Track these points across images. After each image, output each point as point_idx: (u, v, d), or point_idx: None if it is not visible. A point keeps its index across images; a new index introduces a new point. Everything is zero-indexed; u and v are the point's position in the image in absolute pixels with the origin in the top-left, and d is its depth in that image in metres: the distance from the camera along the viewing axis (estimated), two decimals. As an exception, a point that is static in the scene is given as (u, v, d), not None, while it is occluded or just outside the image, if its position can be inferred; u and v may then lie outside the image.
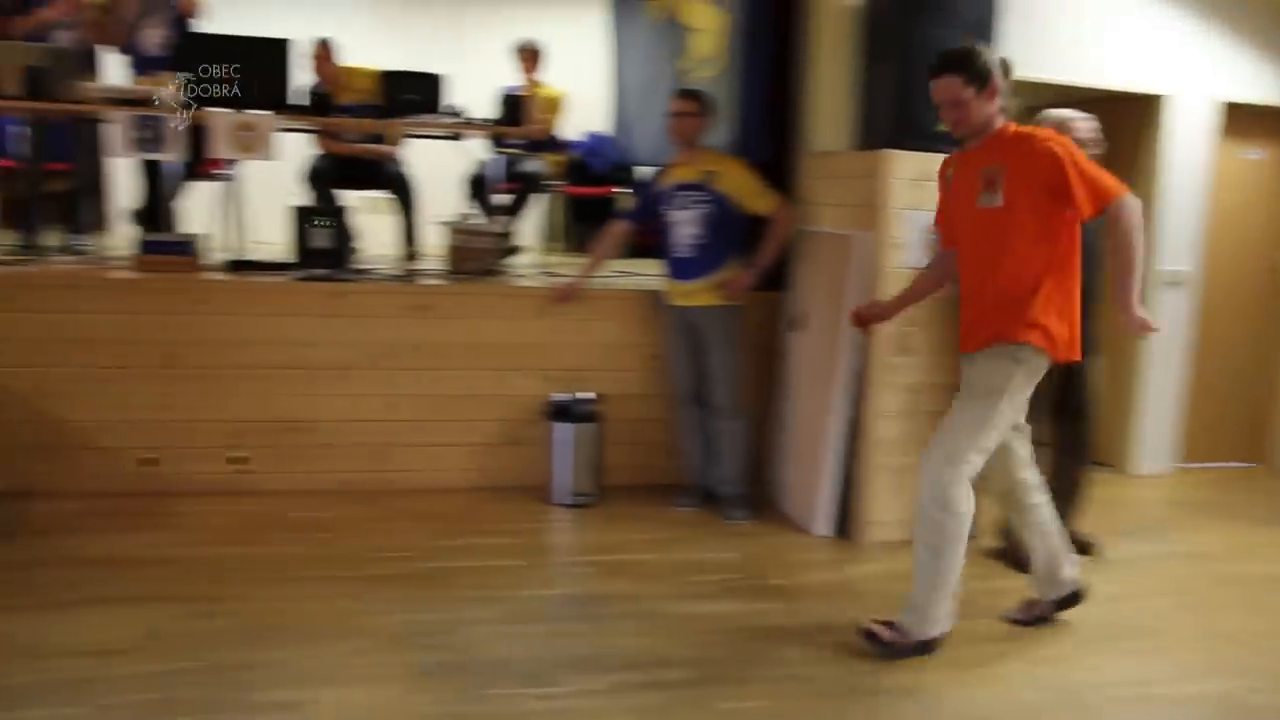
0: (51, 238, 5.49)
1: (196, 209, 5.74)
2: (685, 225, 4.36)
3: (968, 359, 3.20)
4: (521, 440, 4.72)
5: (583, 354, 4.74)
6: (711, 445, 4.56)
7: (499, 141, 6.13)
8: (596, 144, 7.08)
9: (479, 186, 6.01)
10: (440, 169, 6.04)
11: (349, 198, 5.70)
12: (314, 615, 3.34)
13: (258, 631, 3.21)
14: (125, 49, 5.69)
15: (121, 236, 6.32)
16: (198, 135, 4.89)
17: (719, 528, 4.42)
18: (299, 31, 5.25)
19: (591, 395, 4.60)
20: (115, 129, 4.71)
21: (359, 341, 4.56)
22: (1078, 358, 3.18)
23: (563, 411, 4.53)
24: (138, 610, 3.35)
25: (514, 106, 5.42)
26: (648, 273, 5.03)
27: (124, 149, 4.72)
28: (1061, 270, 3.07)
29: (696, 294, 4.39)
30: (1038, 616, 3.50)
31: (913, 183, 4.04)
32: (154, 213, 5.51)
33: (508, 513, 4.48)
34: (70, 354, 4.40)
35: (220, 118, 4.70)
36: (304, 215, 4.62)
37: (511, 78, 6.40)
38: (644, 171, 6.63)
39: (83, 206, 5.77)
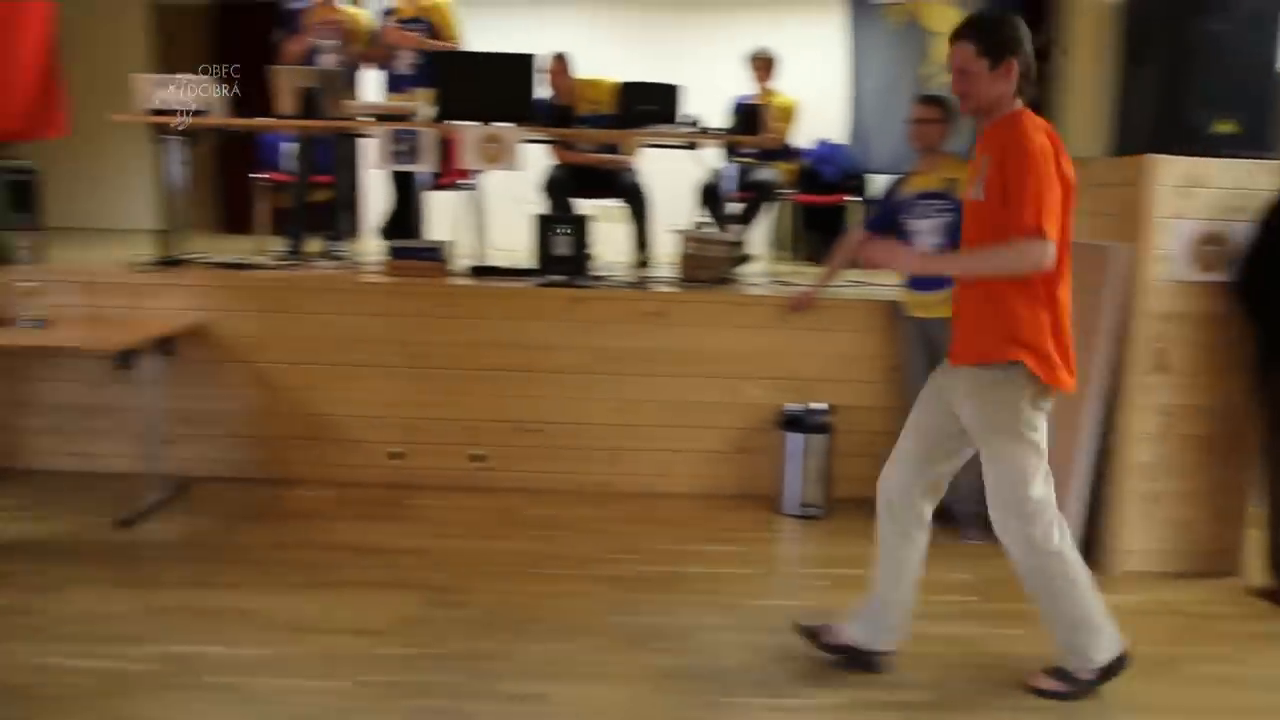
0: (314, 245, 5.90)
1: (442, 217, 6.04)
2: (926, 235, 4.24)
3: (955, 371, 2.92)
4: (750, 449, 4.71)
5: (816, 364, 4.68)
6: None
7: (732, 150, 6.15)
8: (828, 152, 7.00)
9: (712, 195, 6.04)
10: (673, 178, 6.11)
11: (584, 206, 5.85)
12: (554, 611, 3.44)
13: (502, 624, 3.33)
14: (381, 67, 6.05)
15: (373, 244, 6.72)
16: (445, 147, 5.15)
17: (953, 547, 4.24)
18: (538, 46, 5.43)
19: (824, 406, 4.53)
20: (374, 143, 5.02)
21: (594, 346, 4.67)
22: (1072, 388, 2.86)
23: (795, 422, 4.48)
24: (390, 595, 3.55)
25: (748, 115, 5.41)
26: (884, 283, 4.93)
27: (382, 161, 5.02)
28: (1050, 281, 2.75)
29: (937, 306, 4.24)
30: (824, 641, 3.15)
31: (1179, 189, 3.77)
32: (404, 221, 5.83)
33: (736, 521, 4.47)
34: (330, 352, 4.72)
35: (468, 131, 4.92)
36: (546, 223, 4.78)
37: (744, 86, 6.41)
38: (877, 180, 6.51)
39: (341, 216, 6.17)
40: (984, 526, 4.27)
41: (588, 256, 4.75)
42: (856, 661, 3.07)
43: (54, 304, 4.37)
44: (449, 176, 5.82)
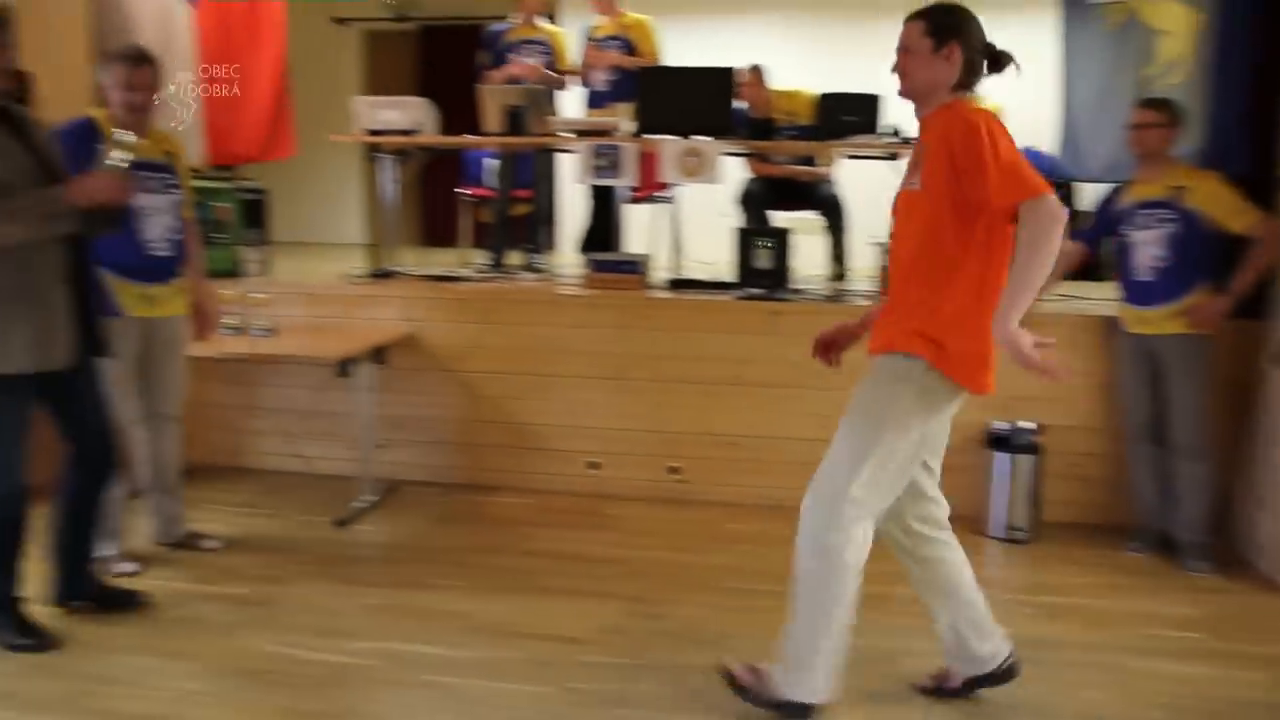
0: (514, 258, 6.07)
1: (640, 230, 6.11)
2: (1148, 246, 4.01)
3: (870, 363, 2.74)
4: (955, 468, 4.49)
5: (1024, 380, 4.41)
6: (1169, 487, 4.14)
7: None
8: (1031, 159, 6.69)
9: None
10: (871, 189, 5.99)
11: (780, 218, 5.80)
12: (756, 627, 3.38)
13: (702, 637, 3.32)
14: (584, 83, 6.17)
15: (571, 256, 6.87)
16: (643, 161, 5.20)
17: (1176, 578, 4.00)
18: (734, 59, 5.42)
19: (1033, 425, 4.34)
20: (576, 158, 5.13)
21: (793, 360, 4.60)
22: (989, 389, 2.63)
23: (1002, 440, 4.31)
24: (591, 604, 3.59)
25: (952, 124, 5.25)
26: (1097, 297, 4.68)
27: (584, 176, 5.12)
28: (981, 278, 2.56)
29: (1159, 321, 4.02)
30: (948, 688, 2.95)
31: None
32: (603, 234, 5.92)
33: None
34: (531, 362, 4.83)
35: (669, 145, 4.97)
36: (746, 236, 4.76)
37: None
38: (1086, 189, 6.21)
39: (540, 229, 6.33)
40: (1208, 556, 4.04)
41: (788, 270, 4.70)
42: (989, 683, 2.92)
43: (279, 314, 4.65)
44: (647, 189, 5.89)
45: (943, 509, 2.89)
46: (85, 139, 3.43)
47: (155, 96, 3.66)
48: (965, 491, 4.44)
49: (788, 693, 2.72)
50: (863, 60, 7.41)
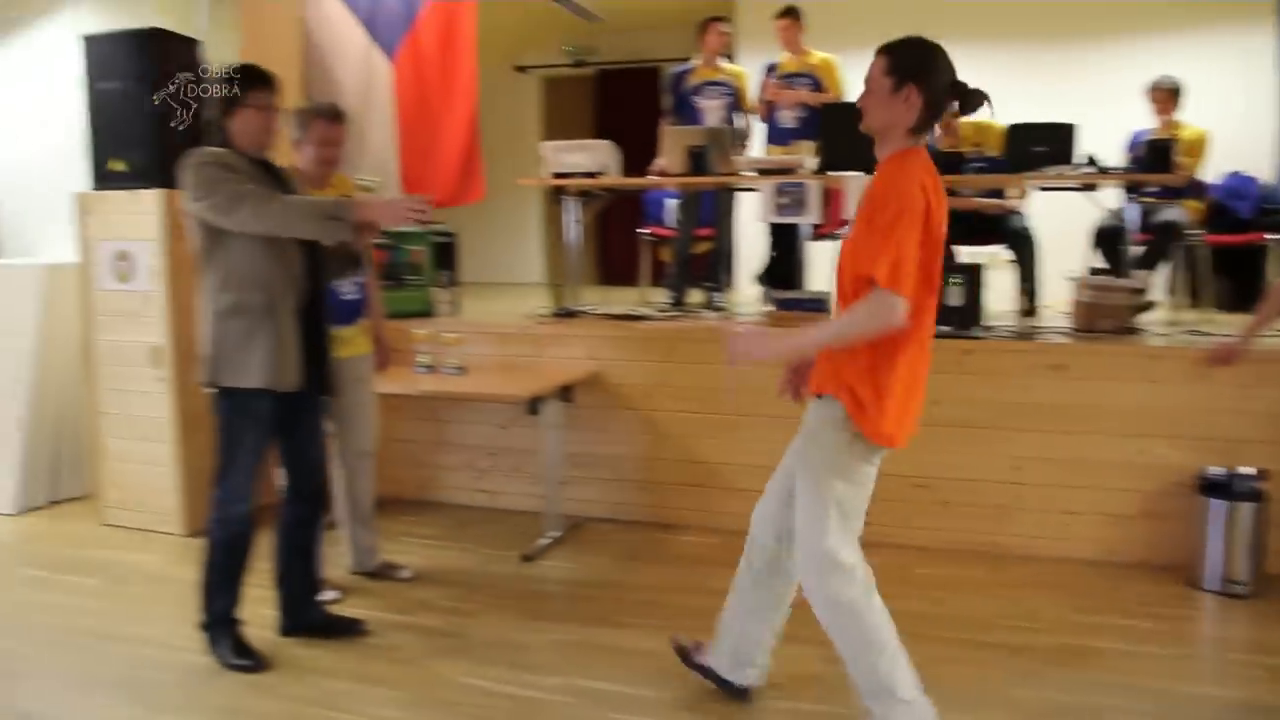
0: (694, 296, 6.11)
1: (822, 267, 6.04)
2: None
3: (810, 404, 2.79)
4: (1161, 515, 4.29)
5: (1242, 423, 4.20)
6: None
7: (1132, 189, 5.71)
8: (1239, 185, 6.32)
9: (1109, 238, 5.63)
10: (1060, 220, 5.78)
11: (965, 252, 5.64)
12: (950, 678, 3.27)
13: (898, 686, 3.21)
14: (764, 119, 6.18)
15: (751, 294, 6.86)
16: (826, 197, 5.15)
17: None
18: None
19: (1253, 471, 4.05)
20: (758, 196, 5.12)
21: (985, 400, 4.46)
22: (898, 444, 2.66)
23: (1219, 487, 4.04)
24: (780, 648, 3.49)
25: (1156, 151, 5.01)
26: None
27: (767, 214, 5.11)
28: (899, 334, 2.53)
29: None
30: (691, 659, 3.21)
31: None
32: (784, 272, 5.89)
33: (1146, 594, 4.06)
34: (715, 401, 4.83)
35: (854, 181, 4.90)
36: (935, 272, 4.63)
37: (1139, 120, 5.95)
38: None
39: (720, 267, 6.35)
40: None
41: (980, 306, 4.55)
42: (721, 686, 3.13)
43: (469, 352, 4.80)
44: (830, 226, 5.82)
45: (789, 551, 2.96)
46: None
47: (343, 150, 3.90)
48: (1174, 540, 4.22)
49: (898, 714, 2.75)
50: (1053, 89, 7.27)
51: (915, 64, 2.56)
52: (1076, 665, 3.40)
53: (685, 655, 3.24)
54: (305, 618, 3.62)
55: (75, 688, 3.28)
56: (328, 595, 3.95)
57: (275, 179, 3.33)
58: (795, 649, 3.50)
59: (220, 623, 3.41)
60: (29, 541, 4.90)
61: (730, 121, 6.20)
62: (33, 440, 5.40)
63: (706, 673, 3.17)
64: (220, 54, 4.99)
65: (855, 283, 2.57)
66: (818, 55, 6.10)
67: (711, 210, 6.27)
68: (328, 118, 3.81)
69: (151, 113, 4.64)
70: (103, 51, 4.77)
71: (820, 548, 2.68)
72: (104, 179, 4.83)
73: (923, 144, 2.64)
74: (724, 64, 6.39)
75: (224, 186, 3.09)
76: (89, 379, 5.06)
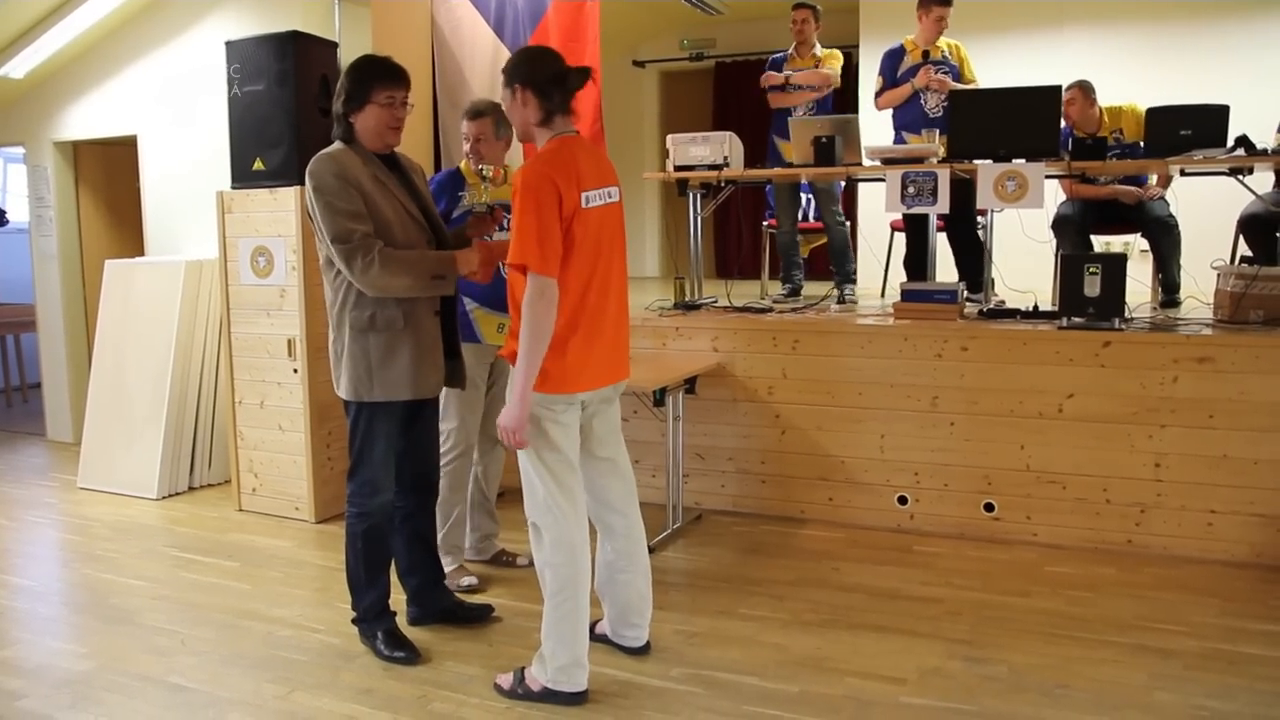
0: (817, 288, 6.03)
1: (949, 258, 5.91)
2: None
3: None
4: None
5: None
6: None
7: (1285, 174, 5.42)
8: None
9: (1258, 224, 5.35)
10: (1202, 208, 5.53)
11: (1099, 242, 5.46)
12: (1091, 680, 3.17)
13: (1032, 686, 3.12)
14: (900, 110, 6.03)
15: (875, 286, 6.76)
16: (960, 187, 5.02)
17: None
18: (1053, 77, 5.15)
19: None
20: (887, 186, 5.03)
21: (1123, 394, 4.30)
22: (568, 387, 2.94)
23: None
24: (910, 643, 3.47)
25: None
26: None
27: (895, 204, 5.01)
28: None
29: None
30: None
31: None
32: (916, 263, 5.78)
33: (1300, 599, 3.88)
34: (838, 394, 4.77)
35: (986, 169, 4.78)
36: (1071, 263, 4.48)
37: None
38: None
39: (843, 259, 6.26)
40: None
41: (1121, 297, 4.37)
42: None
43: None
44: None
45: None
46: (449, 186, 3.99)
47: (487, 143, 3.96)
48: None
49: (549, 680, 3.07)
50: (1198, 70, 6.96)
51: (511, 68, 2.94)
52: (1232, 672, 3.24)
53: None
54: (435, 605, 3.69)
55: (220, 664, 3.42)
56: (466, 581, 4.03)
57: (399, 175, 3.35)
58: (915, 643, 3.45)
59: (373, 617, 3.48)
60: (172, 525, 5.12)
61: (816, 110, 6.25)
62: (174, 428, 5.66)
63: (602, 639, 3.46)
64: (354, 57, 5.14)
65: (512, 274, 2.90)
66: (946, 42, 5.94)
67: (833, 201, 6.21)
68: (467, 116, 3.98)
69: (291, 113, 4.80)
70: (245, 55, 4.95)
71: (532, 504, 3.05)
72: (245, 178, 5.02)
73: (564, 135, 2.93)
74: (818, 50, 6.35)
75: (343, 226, 3.10)
76: (227, 370, 5.27)
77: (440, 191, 3.93)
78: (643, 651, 3.40)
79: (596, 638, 3.40)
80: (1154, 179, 5.57)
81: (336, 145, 3.27)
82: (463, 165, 4.06)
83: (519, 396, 2.86)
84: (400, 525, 3.58)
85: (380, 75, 3.26)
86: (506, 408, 2.90)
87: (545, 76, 2.88)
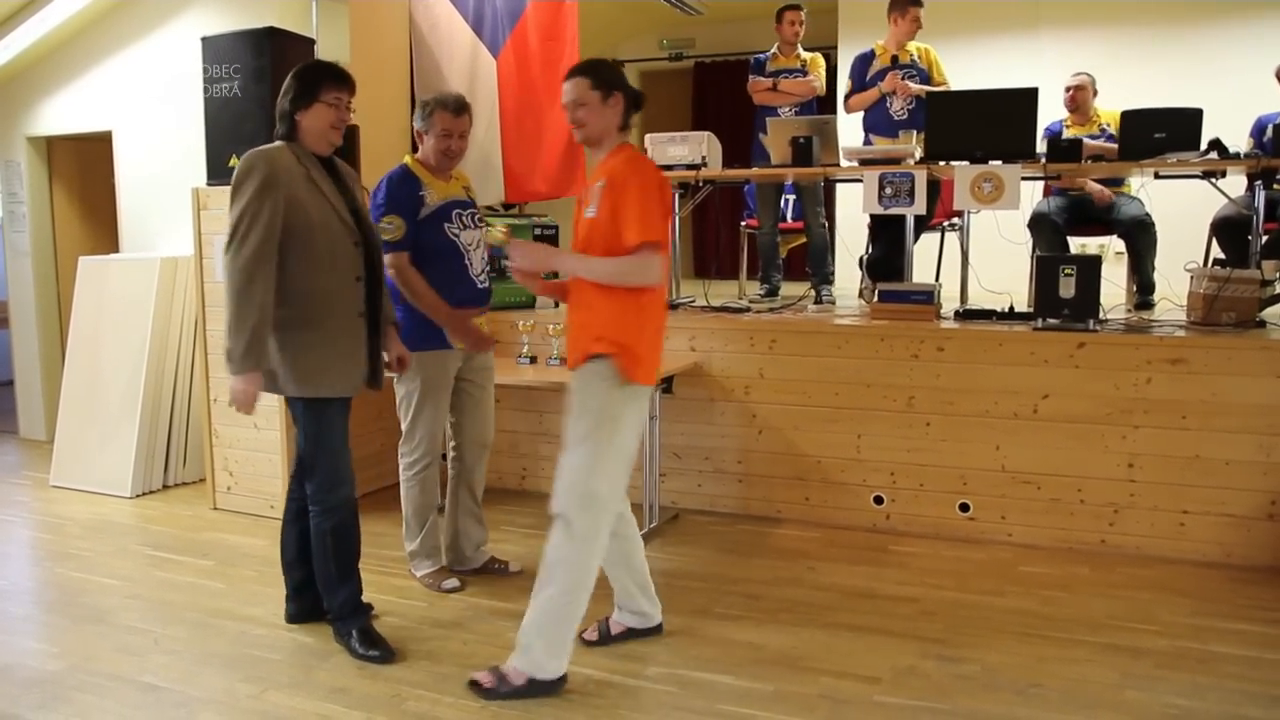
0: (793, 288, 6.05)
1: (928, 259, 5.93)
2: None
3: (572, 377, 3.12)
4: (1286, 516, 4.13)
5: None
6: None
7: (1256, 176, 5.46)
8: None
9: (1231, 227, 5.40)
10: (1176, 209, 5.58)
11: (1077, 244, 5.49)
12: (1063, 679, 3.19)
13: (1005, 685, 3.14)
14: (869, 112, 6.08)
15: (853, 287, 6.77)
16: (933, 188, 5.05)
17: None
18: (1024, 80, 5.18)
19: (1388, 472, 3.87)
20: (864, 187, 5.05)
21: (1097, 395, 4.33)
22: (649, 381, 3.07)
23: (1349, 488, 3.86)
24: (884, 642, 3.49)
25: (1280, 136, 4.79)
26: None
27: (871, 204, 5.03)
28: (635, 289, 2.98)
29: None
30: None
31: None
32: (890, 264, 5.80)
33: (1270, 599, 3.90)
34: (815, 394, 4.78)
35: (962, 171, 4.80)
36: (1046, 264, 4.51)
37: (1268, 104, 5.70)
38: None
39: (820, 260, 6.28)
40: None
41: (1096, 299, 4.40)
42: (643, 635, 3.52)
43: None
44: (937, 218, 5.71)
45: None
46: (406, 185, 3.83)
47: (465, 143, 3.93)
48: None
49: (535, 673, 3.08)
50: (1172, 73, 7.01)
51: (614, 76, 3.09)
52: (1201, 671, 3.27)
53: (605, 638, 3.50)
54: (317, 603, 3.64)
55: (193, 663, 3.39)
56: (447, 584, 4.00)
57: (335, 179, 3.36)
58: (889, 642, 3.46)
59: (349, 613, 3.47)
60: (146, 523, 5.08)
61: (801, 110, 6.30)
62: (148, 426, 5.62)
63: (630, 634, 3.51)
64: (331, 53, 5.12)
65: (606, 245, 2.97)
66: (916, 45, 5.98)
67: (814, 201, 6.23)
68: (451, 110, 3.84)
69: (267, 109, 4.77)
70: (221, 51, 4.91)
71: (591, 489, 3.02)
72: (221, 175, 4.98)
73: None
74: (801, 52, 6.39)
75: (252, 234, 3.11)
76: (202, 367, 5.23)
77: (398, 204, 3.78)
78: (658, 631, 3.55)
79: (615, 638, 3.48)
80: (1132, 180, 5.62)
81: (276, 143, 3.29)
82: (408, 160, 3.90)
83: (578, 260, 3.03)
84: (295, 518, 3.58)
85: (329, 76, 3.32)
86: (567, 256, 3.12)
87: (634, 92, 3.13)
